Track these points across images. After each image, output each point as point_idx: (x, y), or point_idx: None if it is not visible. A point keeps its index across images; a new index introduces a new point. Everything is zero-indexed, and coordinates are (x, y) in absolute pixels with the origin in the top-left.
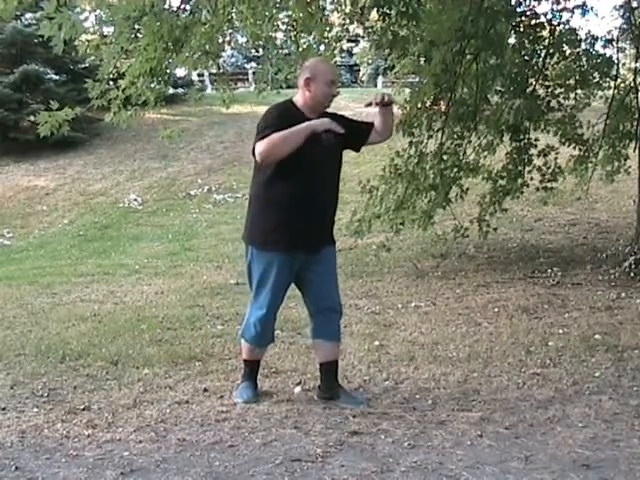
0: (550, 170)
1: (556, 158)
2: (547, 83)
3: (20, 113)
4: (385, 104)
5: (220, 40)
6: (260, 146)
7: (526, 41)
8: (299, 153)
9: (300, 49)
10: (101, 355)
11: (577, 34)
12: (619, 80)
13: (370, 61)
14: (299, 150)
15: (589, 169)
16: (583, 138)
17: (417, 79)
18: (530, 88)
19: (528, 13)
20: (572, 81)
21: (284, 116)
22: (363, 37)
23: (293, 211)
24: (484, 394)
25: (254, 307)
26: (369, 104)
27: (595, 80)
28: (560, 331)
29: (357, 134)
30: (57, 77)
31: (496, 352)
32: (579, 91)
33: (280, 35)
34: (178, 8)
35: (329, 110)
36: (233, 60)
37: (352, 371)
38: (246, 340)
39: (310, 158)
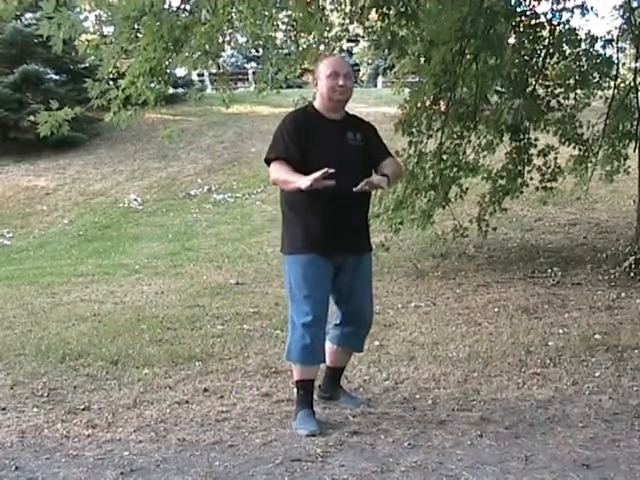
0: (550, 170)
1: (556, 158)
2: (547, 83)
3: (20, 113)
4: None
5: (220, 40)
6: (271, 173)
7: (526, 41)
8: (319, 153)
9: (300, 49)
10: (101, 355)
11: (577, 34)
12: (619, 80)
13: (370, 61)
14: (319, 151)
15: (589, 169)
16: (583, 138)
17: (417, 79)
18: (530, 88)
19: (528, 13)
20: (572, 81)
21: (297, 129)
22: (363, 37)
23: (318, 213)
24: (484, 394)
25: (298, 316)
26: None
27: (595, 80)
28: (560, 331)
29: (373, 156)
30: (57, 77)
31: (496, 352)
32: (579, 91)
33: (280, 35)
34: (178, 8)
35: (353, 113)
36: (233, 60)
37: (352, 371)
38: (294, 360)
39: (331, 158)
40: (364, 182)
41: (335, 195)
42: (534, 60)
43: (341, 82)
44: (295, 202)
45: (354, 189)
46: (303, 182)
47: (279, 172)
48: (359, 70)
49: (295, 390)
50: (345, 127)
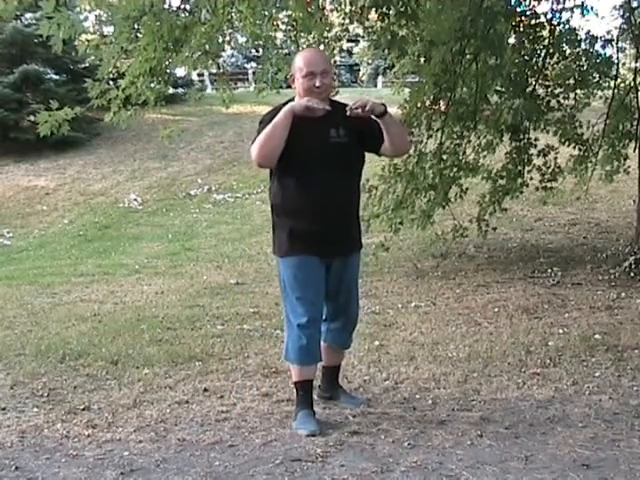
0: (550, 170)
1: (556, 158)
2: (547, 83)
3: (20, 113)
4: (360, 113)
5: (220, 40)
6: (252, 152)
7: (526, 41)
8: (301, 154)
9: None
10: (101, 355)
11: (577, 34)
12: (619, 80)
13: (370, 61)
14: (301, 151)
15: (589, 169)
16: (583, 138)
17: (417, 79)
18: (530, 88)
19: (528, 13)
20: (572, 81)
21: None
22: (363, 37)
23: (303, 215)
24: (484, 394)
25: (294, 317)
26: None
27: (595, 80)
28: (560, 331)
29: (372, 135)
30: (57, 77)
31: (496, 352)
32: (579, 91)
33: (280, 35)
34: (178, 8)
35: (336, 99)
36: (233, 60)
37: (352, 371)
38: (291, 361)
39: (313, 158)
40: (354, 105)
41: (320, 196)
42: (534, 60)
43: (317, 83)
44: (279, 205)
45: (347, 114)
46: (296, 106)
47: (259, 136)
48: (359, 70)
49: (295, 390)
50: (328, 123)
